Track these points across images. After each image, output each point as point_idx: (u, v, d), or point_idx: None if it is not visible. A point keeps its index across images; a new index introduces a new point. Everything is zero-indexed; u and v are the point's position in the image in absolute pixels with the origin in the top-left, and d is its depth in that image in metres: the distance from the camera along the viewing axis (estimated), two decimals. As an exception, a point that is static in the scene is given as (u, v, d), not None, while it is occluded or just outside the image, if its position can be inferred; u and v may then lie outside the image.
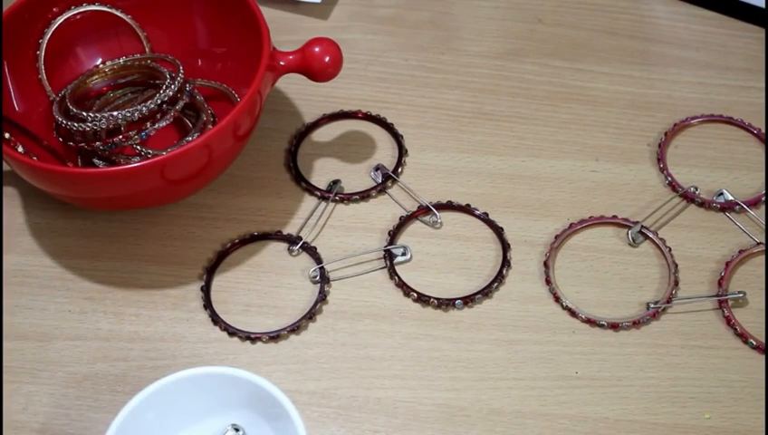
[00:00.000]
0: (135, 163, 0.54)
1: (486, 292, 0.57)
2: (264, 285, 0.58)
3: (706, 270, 0.58)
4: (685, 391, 0.53)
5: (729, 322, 0.55)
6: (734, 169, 0.62)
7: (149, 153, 0.59)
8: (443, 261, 0.59)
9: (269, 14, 0.66)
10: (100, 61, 0.66)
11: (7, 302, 0.58)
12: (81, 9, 0.64)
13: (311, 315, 0.56)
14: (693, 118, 0.65)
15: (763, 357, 0.54)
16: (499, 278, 0.57)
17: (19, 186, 0.63)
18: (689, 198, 0.61)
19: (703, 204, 0.61)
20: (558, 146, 0.64)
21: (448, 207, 0.61)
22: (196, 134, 0.61)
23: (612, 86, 0.67)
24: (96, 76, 0.64)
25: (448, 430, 0.52)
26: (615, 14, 0.72)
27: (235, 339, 0.56)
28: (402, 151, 0.64)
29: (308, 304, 0.57)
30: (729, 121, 0.64)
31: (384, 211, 0.61)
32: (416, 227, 0.61)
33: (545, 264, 0.58)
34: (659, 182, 0.62)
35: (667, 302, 0.56)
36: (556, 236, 0.59)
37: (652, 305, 0.56)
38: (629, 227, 0.59)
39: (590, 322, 0.56)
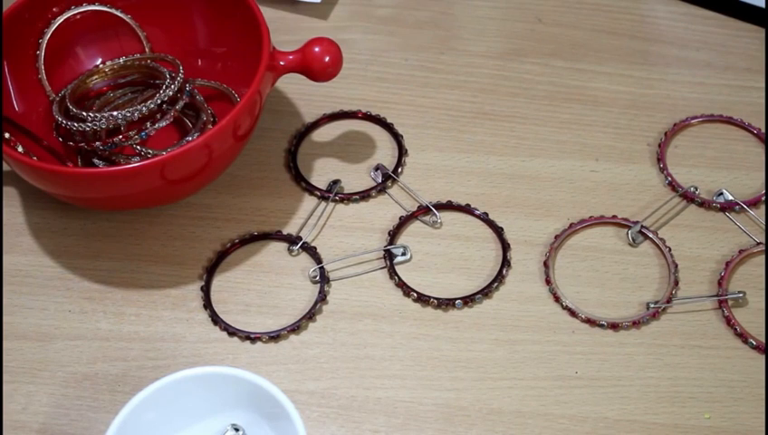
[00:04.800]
0: (135, 163, 0.54)
1: (486, 292, 0.57)
2: (264, 284, 0.58)
3: (706, 270, 0.58)
4: (685, 391, 0.53)
5: (729, 322, 0.55)
6: (734, 169, 0.62)
7: (149, 153, 0.59)
8: (443, 261, 0.59)
9: (269, 14, 0.66)
10: (100, 61, 0.66)
11: (7, 302, 0.58)
12: (81, 9, 0.64)
13: (311, 315, 0.56)
14: (693, 118, 0.65)
15: (763, 357, 0.54)
16: (499, 278, 0.58)
17: (19, 186, 0.63)
18: (689, 197, 0.61)
19: (703, 204, 0.61)
20: (558, 146, 0.64)
21: (448, 207, 0.61)
22: (196, 134, 0.61)
23: (612, 86, 0.67)
24: (96, 76, 0.64)
25: (448, 430, 0.52)
26: (615, 14, 0.72)
27: (235, 339, 0.56)
28: (402, 151, 0.64)
29: (308, 304, 0.57)
30: (729, 121, 0.64)
31: (384, 211, 0.61)
32: (416, 226, 0.61)
33: (545, 264, 0.58)
34: (659, 182, 0.62)
35: (667, 302, 0.56)
36: (556, 237, 0.59)
37: (652, 305, 0.56)
38: (629, 227, 0.59)
39: (589, 322, 0.56)
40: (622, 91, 0.67)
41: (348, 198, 0.62)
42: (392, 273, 0.58)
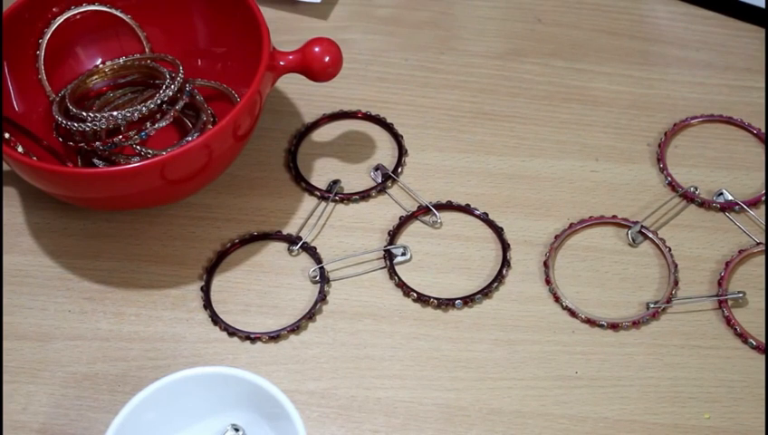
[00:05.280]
0: (135, 163, 0.54)
1: (486, 292, 0.57)
2: (264, 285, 0.58)
3: (706, 270, 0.58)
4: (685, 391, 0.53)
5: (729, 322, 0.55)
6: (734, 169, 0.62)
7: (149, 153, 0.59)
8: (443, 261, 0.59)
9: (269, 14, 0.66)
10: (100, 61, 0.66)
11: (7, 302, 0.58)
12: (81, 9, 0.64)
13: (310, 315, 0.56)
14: (693, 118, 0.65)
15: (763, 357, 0.54)
16: (499, 278, 0.58)
17: (19, 186, 0.63)
18: (689, 198, 0.61)
19: (703, 204, 0.61)
20: (558, 146, 0.64)
21: (448, 207, 0.61)
22: (196, 134, 0.61)
23: (612, 86, 0.67)
24: (96, 76, 0.64)
25: (448, 430, 0.52)
26: (615, 14, 0.72)
27: (235, 339, 0.56)
28: (402, 151, 0.64)
29: (308, 304, 0.57)
30: (729, 121, 0.64)
31: (384, 211, 0.61)
32: (416, 226, 0.61)
33: (545, 264, 0.58)
34: (659, 182, 0.62)
35: (667, 302, 0.56)
36: (556, 237, 0.59)
37: (652, 305, 0.56)
38: (629, 227, 0.59)
39: (589, 322, 0.56)
40: (622, 91, 0.67)
41: (348, 198, 0.62)
42: (392, 273, 0.58)
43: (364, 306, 0.57)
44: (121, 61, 0.65)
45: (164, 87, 0.60)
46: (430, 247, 0.59)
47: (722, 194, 0.61)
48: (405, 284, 0.57)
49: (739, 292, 0.56)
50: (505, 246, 0.59)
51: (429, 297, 0.57)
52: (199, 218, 0.61)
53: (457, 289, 0.57)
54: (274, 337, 0.56)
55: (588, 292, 0.57)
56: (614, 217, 0.60)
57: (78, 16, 0.64)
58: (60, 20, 0.63)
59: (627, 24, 0.71)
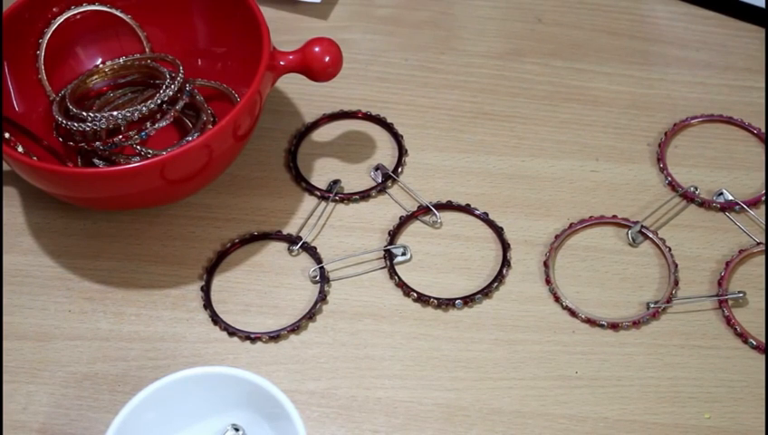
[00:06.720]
0: (135, 163, 0.54)
1: (486, 292, 0.57)
2: (264, 285, 0.58)
3: (706, 270, 0.58)
4: (685, 391, 0.53)
5: (729, 322, 0.55)
6: (734, 168, 0.62)
7: (149, 153, 0.59)
8: (443, 261, 0.59)
9: (269, 14, 0.66)
10: (100, 61, 0.66)
11: (7, 302, 0.58)
12: (81, 9, 0.64)
13: (311, 315, 0.56)
14: (693, 118, 0.65)
15: (763, 357, 0.54)
16: (499, 278, 0.58)
17: (19, 186, 0.63)
18: (689, 197, 0.61)
19: (703, 204, 0.61)
20: (558, 146, 0.64)
21: (448, 207, 0.61)
22: (196, 134, 0.61)
23: (612, 86, 0.67)
24: (96, 76, 0.64)
25: (448, 430, 0.52)
26: (615, 14, 0.72)
27: (235, 339, 0.56)
28: (402, 151, 0.64)
29: (308, 304, 0.57)
30: (729, 121, 0.64)
31: (384, 211, 0.61)
32: (416, 226, 0.61)
33: (545, 264, 0.58)
34: (659, 182, 0.62)
35: (667, 302, 0.56)
36: (556, 236, 0.59)
37: (652, 305, 0.56)
38: (629, 227, 0.59)
39: (590, 322, 0.56)
40: (622, 91, 0.67)
41: (348, 198, 0.62)
42: (392, 273, 0.58)
43: (364, 306, 0.57)
44: (121, 61, 0.65)
45: (164, 87, 0.60)
46: (430, 247, 0.59)
47: (722, 194, 0.61)
48: (405, 284, 0.57)
49: (739, 292, 0.56)
50: (505, 246, 0.59)
51: (429, 297, 0.57)
52: (199, 218, 0.61)
53: (457, 289, 0.57)
54: (274, 337, 0.56)
55: (588, 292, 0.57)
56: (614, 216, 0.60)
57: (78, 16, 0.64)
58: (60, 20, 0.63)
59: (627, 24, 0.71)
